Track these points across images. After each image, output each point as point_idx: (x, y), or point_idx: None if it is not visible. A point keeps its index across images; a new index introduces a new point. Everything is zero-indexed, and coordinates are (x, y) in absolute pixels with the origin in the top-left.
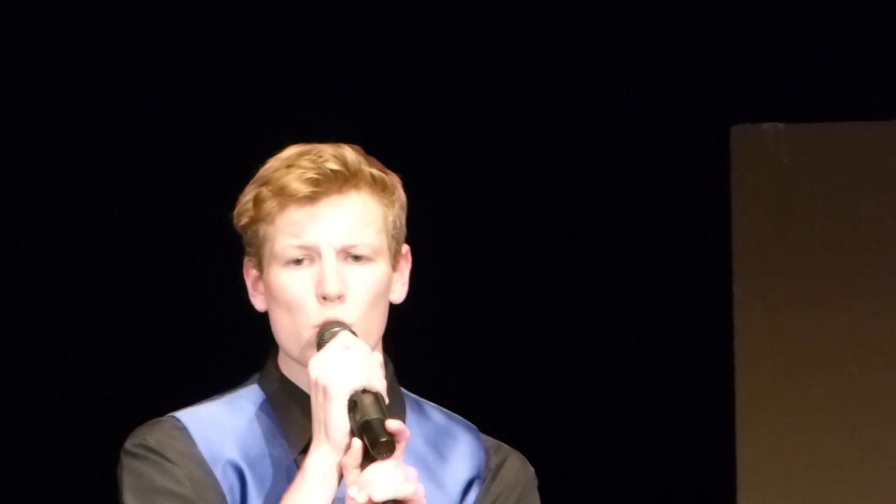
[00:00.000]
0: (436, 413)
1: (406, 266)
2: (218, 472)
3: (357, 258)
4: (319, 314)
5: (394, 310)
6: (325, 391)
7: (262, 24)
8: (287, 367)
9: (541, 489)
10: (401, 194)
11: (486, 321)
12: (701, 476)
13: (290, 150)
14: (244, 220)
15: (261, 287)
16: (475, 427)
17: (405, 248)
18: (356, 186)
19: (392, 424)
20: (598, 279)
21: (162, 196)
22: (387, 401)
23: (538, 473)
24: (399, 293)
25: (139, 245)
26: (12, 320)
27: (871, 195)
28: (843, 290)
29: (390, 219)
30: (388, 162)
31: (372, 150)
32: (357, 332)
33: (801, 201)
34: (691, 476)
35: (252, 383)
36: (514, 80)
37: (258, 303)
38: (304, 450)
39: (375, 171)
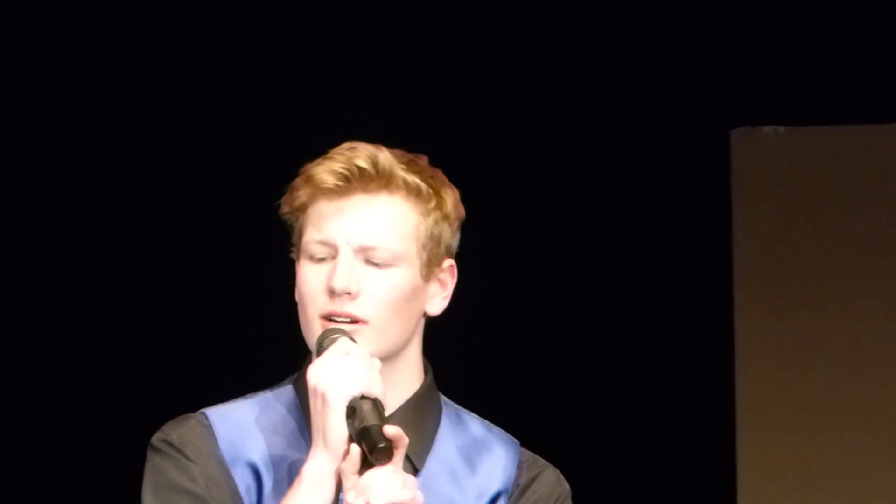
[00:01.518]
0: (475, 424)
1: (449, 280)
2: (237, 472)
3: (375, 261)
4: (327, 306)
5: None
6: (323, 398)
7: (303, 29)
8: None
9: None
10: (449, 207)
11: (484, 324)
12: (701, 478)
13: (340, 147)
14: (284, 209)
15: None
16: (516, 441)
17: (447, 262)
18: (388, 189)
19: (390, 430)
20: (599, 282)
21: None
22: (386, 407)
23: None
24: (437, 306)
25: (177, 244)
26: (50, 322)
27: (872, 198)
28: (843, 293)
29: (423, 228)
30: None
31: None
32: (372, 333)
33: (801, 204)
34: (692, 478)
35: (287, 384)
36: (516, 85)
37: (297, 294)
38: None
39: (413, 178)
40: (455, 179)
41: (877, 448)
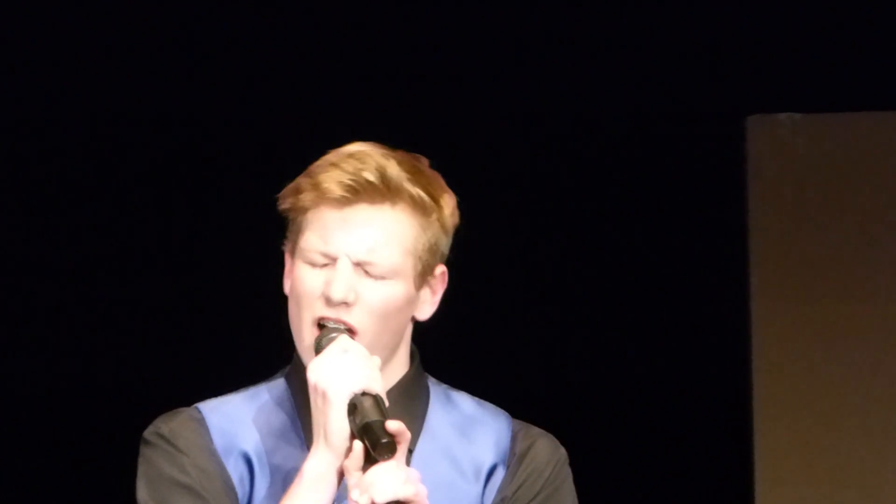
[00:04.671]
0: (465, 401)
1: (440, 287)
2: (230, 463)
3: (373, 274)
4: (321, 311)
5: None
6: (324, 395)
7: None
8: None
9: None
10: (447, 217)
11: (499, 316)
12: (718, 469)
13: (348, 148)
14: (284, 205)
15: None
16: (506, 413)
17: (440, 269)
18: (392, 202)
19: (392, 425)
20: (613, 271)
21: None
22: (387, 403)
23: (574, 465)
24: (426, 311)
25: (165, 238)
26: (38, 316)
27: (888, 185)
28: (859, 281)
29: (422, 240)
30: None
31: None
32: (364, 341)
33: (817, 192)
34: (709, 469)
35: (279, 377)
36: (527, 72)
37: (286, 286)
38: None
39: (418, 192)
40: (466, 170)
41: None
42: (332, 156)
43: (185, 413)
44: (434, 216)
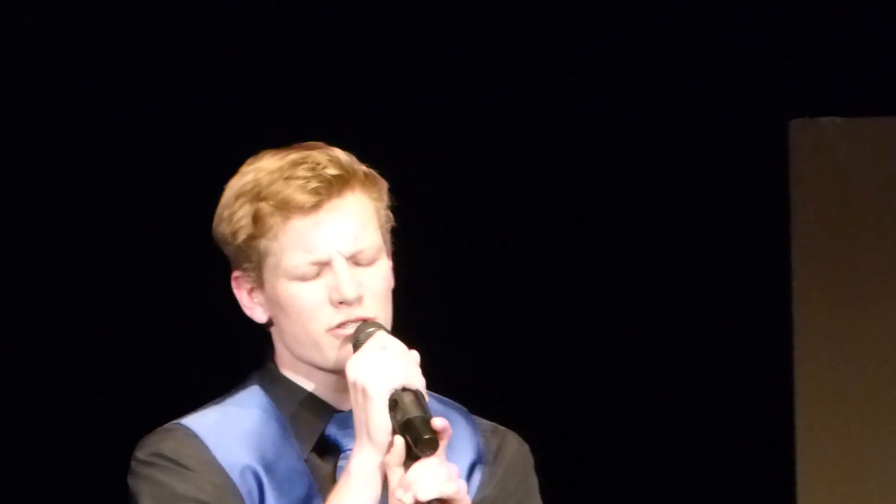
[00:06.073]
0: (432, 401)
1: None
2: (236, 478)
3: (364, 261)
4: (335, 317)
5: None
6: (364, 392)
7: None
8: (290, 370)
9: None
10: (383, 183)
11: (548, 315)
12: (760, 469)
13: (277, 160)
14: (242, 237)
15: (258, 298)
16: (466, 409)
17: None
18: (352, 187)
19: (438, 423)
20: (658, 274)
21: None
22: (427, 398)
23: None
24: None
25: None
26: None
27: None
28: None
29: (381, 212)
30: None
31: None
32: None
33: (859, 195)
34: (751, 471)
35: (252, 385)
36: (576, 76)
37: (257, 314)
38: (314, 449)
39: (365, 169)
40: (515, 174)
41: None
42: (267, 174)
43: (177, 430)
44: (378, 185)
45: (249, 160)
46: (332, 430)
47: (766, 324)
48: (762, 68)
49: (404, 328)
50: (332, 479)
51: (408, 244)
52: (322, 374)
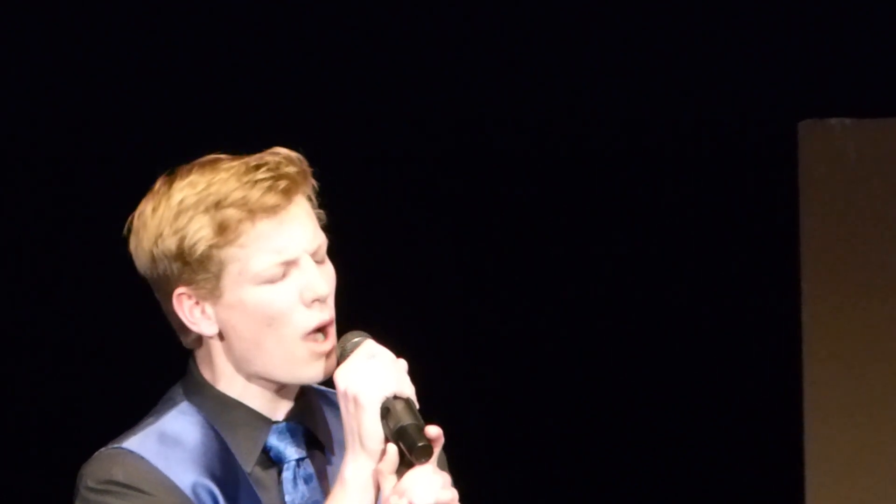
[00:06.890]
0: (322, 395)
1: None
2: (192, 497)
3: (319, 258)
4: (310, 319)
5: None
6: (356, 401)
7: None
8: (225, 384)
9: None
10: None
11: (559, 314)
12: (769, 470)
13: (225, 171)
14: (200, 249)
15: (209, 311)
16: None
17: None
18: (301, 188)
19: (432, 430)
20: (667, 274)
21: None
22: (418, 406)
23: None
24: None
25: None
26: None
27: None
28: None
29: (320, 209)
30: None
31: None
32: (334, 327)
33: (868, 196)
34: (760, 469)
35: (180, 402)
36: (581, 77)
37: (205, 328)
38: (258, 462)
39: (304, 168)
40: (521, 177)
41: None
42: (226, 180)
43: (124, 455)
44: (311, 181)
45: (166, 179)
46: (273, 442)
47: (775, 324)
48: (771, 70)
49: (389, 333)
50: (278, 491)
51: (408, 244)
52: (257, 386)
